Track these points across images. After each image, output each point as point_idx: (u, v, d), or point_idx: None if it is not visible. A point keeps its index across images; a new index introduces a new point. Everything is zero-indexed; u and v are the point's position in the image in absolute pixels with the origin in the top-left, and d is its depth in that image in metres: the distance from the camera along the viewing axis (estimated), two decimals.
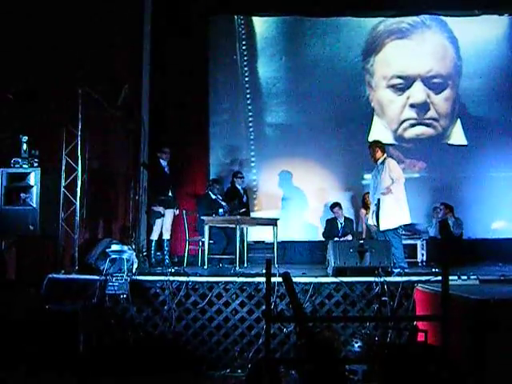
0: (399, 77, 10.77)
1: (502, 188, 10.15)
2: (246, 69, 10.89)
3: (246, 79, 10.86)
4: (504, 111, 10.49)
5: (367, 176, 10.14)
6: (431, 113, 10.73)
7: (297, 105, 10.73)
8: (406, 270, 7.00)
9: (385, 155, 7.77)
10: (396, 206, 7.44)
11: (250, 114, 10.73)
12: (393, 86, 10.81)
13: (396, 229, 7.48)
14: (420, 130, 10.71)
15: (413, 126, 10.72)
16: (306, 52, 10.88)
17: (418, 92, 10.73)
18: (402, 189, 7.54)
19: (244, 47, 10.95)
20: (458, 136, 10.68)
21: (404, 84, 10.75)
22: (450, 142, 10.71)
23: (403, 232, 8.11)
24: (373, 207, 7.75)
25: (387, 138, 10.26)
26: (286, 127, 10.66)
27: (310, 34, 10.89)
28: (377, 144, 7.90)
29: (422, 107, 10.72)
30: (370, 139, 9.67)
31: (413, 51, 10.79)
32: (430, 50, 10.81)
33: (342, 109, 10.56)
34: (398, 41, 10.88)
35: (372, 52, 10.88)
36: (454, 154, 10.56)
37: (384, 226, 7.46)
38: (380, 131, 10.45)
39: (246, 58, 10.93)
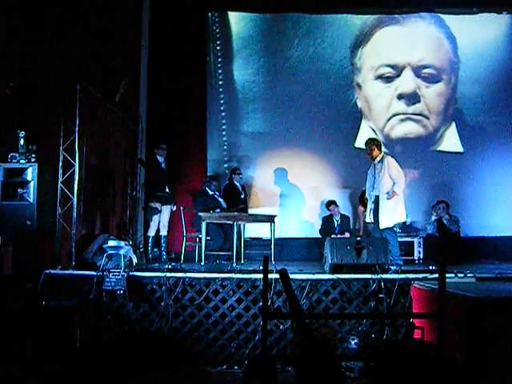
0: (388, 65, 10.29)
1: (498, 186, 10.08)
2: (220, 71, 10.43)
3: (220, 83, 10.43)
4: (503, 116, 10.21)
5: None
6: (421, 106, 10.29)
7: (280, 108, 10.34)
8: (402, 267, 7.01)
9: (382, 153, 7.69)
10: (393, 205, 7.41)
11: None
12: (381, 76, 10.34)
13: (392, 226, 7.49)
14: (408, 126, 10.30)
15: (401, 121, 10.29)
16: (287, 53, 10.32)
17: (407, 81, 10.26)
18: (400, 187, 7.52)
19: (218, 47, 10.41)
20: (453, 142, 10.34)
21: (393, 73, 10.29)
22: (445, 148, 10.37)
23: (398, 229, 8.12)
24: (370, 205, 7.73)
25: None
26: (275, 128, 10.43)
27: (292, 32, 10.30)
28: (373, 142, 7.79)
29: (411, 98, 10.26)
30: (357, 144, 9.55)
31: (404, 38, 10.29)
32: (422, 38, 10.33)
33: (328, 113, 10.22)
34: (389, 27, 10.36)
35: (360, 44, 10.38)
36: (449, 161, 10.28)
37: (383, 224, 7.44)
38: (367, 136, 9.40)
39: (220, 60, 10.44)
